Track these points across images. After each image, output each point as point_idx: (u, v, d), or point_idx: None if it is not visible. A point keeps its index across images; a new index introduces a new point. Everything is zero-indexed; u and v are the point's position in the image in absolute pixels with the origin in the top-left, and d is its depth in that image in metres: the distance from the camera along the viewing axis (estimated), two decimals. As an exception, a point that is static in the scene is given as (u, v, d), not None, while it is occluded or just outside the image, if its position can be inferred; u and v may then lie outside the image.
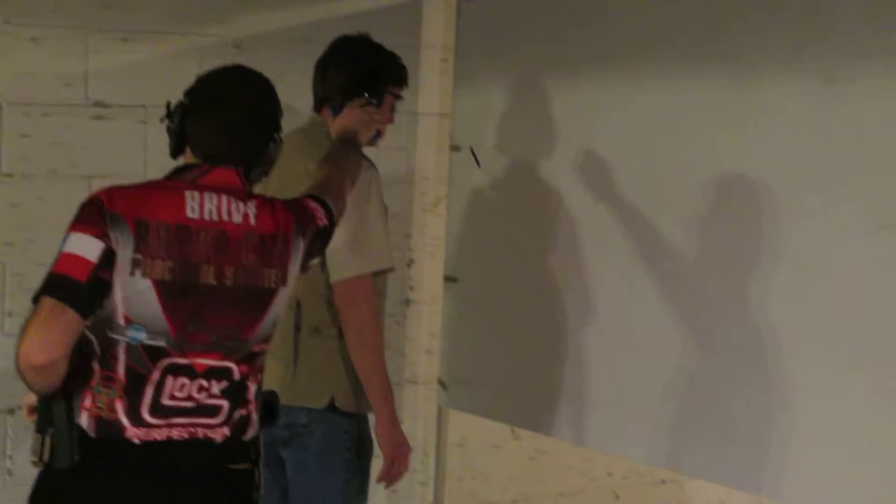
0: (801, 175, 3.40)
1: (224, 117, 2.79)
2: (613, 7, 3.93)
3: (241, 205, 2.72)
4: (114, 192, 2.64)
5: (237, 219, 2.70)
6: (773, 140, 3.46)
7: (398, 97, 3.62)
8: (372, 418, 3.54)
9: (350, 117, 3.46)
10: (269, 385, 3.09)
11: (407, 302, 4.59)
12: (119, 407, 2.62)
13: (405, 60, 3.65)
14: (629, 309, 3.87)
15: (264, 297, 2.73)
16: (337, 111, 3.51)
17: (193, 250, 2.65)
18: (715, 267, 3.64)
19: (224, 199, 2.71)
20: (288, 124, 3.01)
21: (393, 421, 3.52)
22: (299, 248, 2.80)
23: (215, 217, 2.68)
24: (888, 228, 3.20)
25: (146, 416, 2.64)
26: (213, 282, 2.66)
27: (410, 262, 4.57)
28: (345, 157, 3.32)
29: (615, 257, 3.89)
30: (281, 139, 2.88)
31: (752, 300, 3.53)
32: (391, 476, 3.56)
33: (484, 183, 4.39)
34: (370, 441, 3.55)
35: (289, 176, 3.37)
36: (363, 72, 3.53)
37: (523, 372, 4.25)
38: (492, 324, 4.38)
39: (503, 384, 4.35)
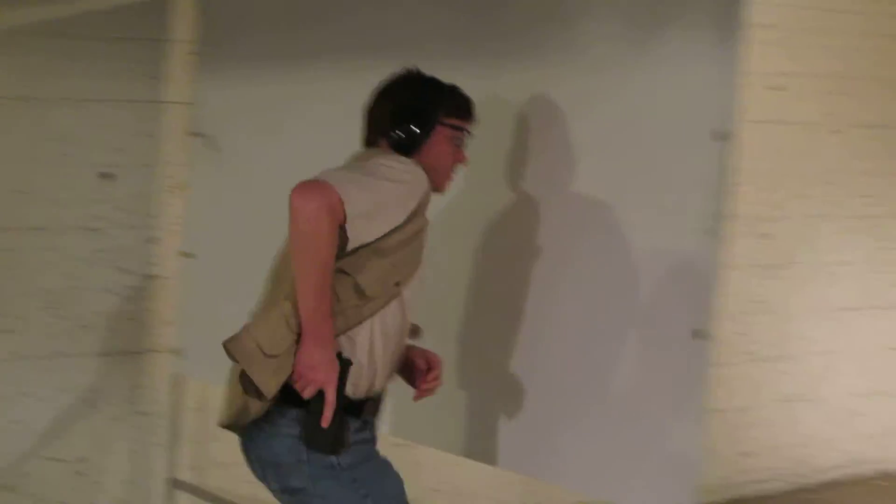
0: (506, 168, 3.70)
1: None
2: (332, 10, 4.26)
3: None
4: None
5: None
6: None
7: (457, 129, 3.30)
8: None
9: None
10: None
11: (150, 277, 4.87)
12: None
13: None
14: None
15: None
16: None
17: None
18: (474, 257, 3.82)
19: None
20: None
21: (317, 342, 3.05)
22: None
23: None
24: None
25: None
26: None
27: (153, 240, 4.86)
28: None
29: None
30: None
31: (501, 286, 3.73)
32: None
33: (225, 167, 4.65)
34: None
35: None
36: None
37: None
38: (229, 298, 4.55)
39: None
